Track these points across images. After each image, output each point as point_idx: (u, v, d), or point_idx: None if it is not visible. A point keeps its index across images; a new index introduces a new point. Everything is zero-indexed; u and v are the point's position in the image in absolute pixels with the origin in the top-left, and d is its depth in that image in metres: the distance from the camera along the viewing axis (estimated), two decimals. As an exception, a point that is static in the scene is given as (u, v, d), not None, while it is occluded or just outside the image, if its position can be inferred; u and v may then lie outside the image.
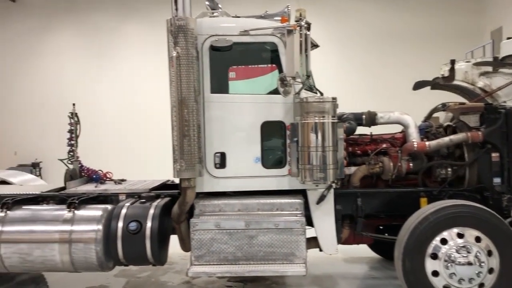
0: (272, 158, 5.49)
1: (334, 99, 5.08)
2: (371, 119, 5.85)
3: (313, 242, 5.48)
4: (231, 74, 6.28)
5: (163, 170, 8.47)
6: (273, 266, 5.05)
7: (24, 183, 7.48)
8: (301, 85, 5.16)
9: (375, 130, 6.00)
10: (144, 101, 15.35)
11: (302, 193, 5.42)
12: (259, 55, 5.92)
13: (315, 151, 4.97)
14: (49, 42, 16.22)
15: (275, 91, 5.40)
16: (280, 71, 5.43)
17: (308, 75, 5.24)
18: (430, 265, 4.84)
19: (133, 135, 15.36)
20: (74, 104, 6.89)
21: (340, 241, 5.58)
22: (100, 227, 5.30)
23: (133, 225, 5.26)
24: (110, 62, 15.93)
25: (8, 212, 5.42)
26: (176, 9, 5.08)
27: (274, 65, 5.91)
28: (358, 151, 5.86)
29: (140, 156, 14.90)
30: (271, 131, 5.42)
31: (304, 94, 5.28)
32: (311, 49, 5.39)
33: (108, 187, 6.26)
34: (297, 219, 5.12)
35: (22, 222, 5.37)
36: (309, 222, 5.36)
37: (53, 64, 16.12)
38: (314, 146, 4.96)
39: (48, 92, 15.94)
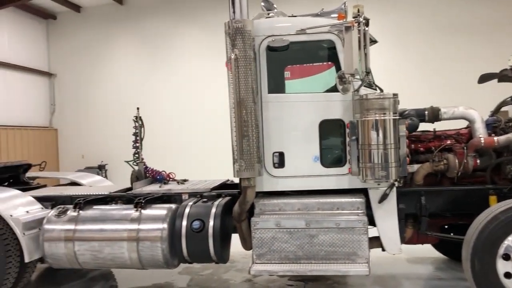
0: (331, 157, 5.44)
1: (395, 95, 4.97)
2: (434, 115, 5.66)
3: (375, 242, 5.39)
4: (287, 74, 6.29)
5: (222, 170, 8.67)
6: (335, 265, 5.01)
7: (93, 184, 7.91)
8: (360, 82, 5.09)
9: (439, 126, 5.79)
10: (203, 103, 15.72)
11: (363, 192, 5.35)
12: (316, 53, 5.88)
13: (376, 149, 4.88)
14: (112, 49, 16.99)
15: (333, 89, 5.37)
16: (338, 68, 5.38)
17: (368, 72, 5.16)
18: (502, 266, 4.61)
19: (194, 136, 15.77)
20: (138, 108, 7.18)
21: (404, 240, 5.44)
22: (165, 225, 5.49)
23: (196, 224, 5.41)
24: (169, 66, 16.43)
25: (80, 211, 5.75)
26: (234, 12, 5.17)
27: (330, 63, 5.87)
28: (421, 148, 5.68)
29: (200, 157, 15.26)
30: (330, 130, 5.38)
31: (364, 91, 5.20)
32: (369, 45, 5.30)
33: (172, 187, 6.47)
34: (358, 218, 5.05)
35: (93, 221, 5.67)
36: (371, 222, 5.27)
37: (116, 70, 16.87)
38: (375, 144, 4.87)
39: (112, 98, 16.71)
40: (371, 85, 5.74)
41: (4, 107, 14.83)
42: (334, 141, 5.45)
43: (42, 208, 6.02)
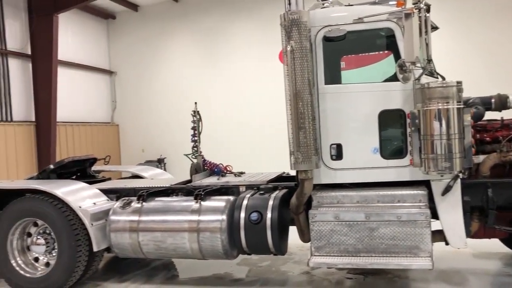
0: (391, 148, 5.32)
1: (459, 83, 4.76)
2: (501, 103, 5.37)
3: (438, 235, 5.22)
4: (344, 64, 6.19)
5: (277, 163, 8.70)
6: (397, 259, 4.90)
7: (154, 177, 8.19)
8: (421, 71, 4.92)
9: (507, 114, 5.49)
10: (259, 96, 15.80)
11: (425, 184, 5.18)
12: (374, 42, 5.75)
13: (439, 139, 4.71)
14: (169, 46, 17.44)
15: (392, 78, 5.25)
16: (397, 57, 5.23)
17: (429, 60, 4.97)
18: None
19: (250, 129, 15.90)
20: (196, 103, 7.33)
21: (469, 234, 5.22)
22: (224, 217, 5.59)
23: (254, 216, 5.47)
24: (224, 60, 16.63)
25: (143, 203, 5.97)
26: (289, 4, 5.13)
27: (388, 52, 5.71)
28: (487, 138, 5.41)
29: (256, 149, 15.39)
30: (390, 120, 5.25)
31: (425, 79, 5.02)
32: (431, 31, 5.10)
33: (229, 180, 6.58)
34: (421, 211, 4.90)
35: (156, 212, 5.88)
36: (434, 215, 5.10)
37: (174, 66, 17.31)
38: (438, 134, 4.70)
39: (169, 93, 17.18)
40: (432, 73, 5.53)
41: (69, 105, 15.62)
42: (394, 132, 5.31)
43: (107, 200, 6.31)
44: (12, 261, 6.06)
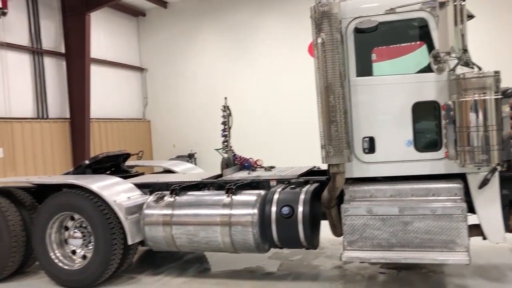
0: (425, 141, 5.21)
1: (496, 73, 4.61)
2: (542, 93, 5.17)
3: (475, 230, 5.09)
4: (375, 55, 6.09)
5: (308, 157, 8.66)
6: (432, 253, 4.82)
7: (186, 171, 8.29)
8: (456, 61, 4.79)
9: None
10: (288, 90, 15.79)
11: (460, 177, 5.06)
12: (406, 33, 5.64)
13: (475, 131, 4.58)
14: (198, 42, 17.57)
15: (425, 69, 5.15)
16: (430, 47, 5.12)
17: (465, 49, 4.83)
18: None
19: (279, 124, 15.92)
20: (226, 98, 7.37)
21: (508, 229, 5.07)
22: (255, 211, 5.61)
23: (286, 210, 5.47)
24: (253, 54, 16.65)
25: (176, 197, 6.06)
26: (319, -5, 5.08)
27: (421, 42, 5.58)
28: (527, 129, 5.23)
29: (286, 144, 15.38)
30: (424, 112, 5.15)
31: (460, 70, 4.88)
32: (466, 20, 4.96)
33: (260, 174, 6.60)
34: (456, 205, 4.79)
35: (188, 206, 5.95)
36: (470, 208, 4.97)
37: (203, 61, 17.43)
38: (475, 126, 4.58)
39: (199, 89, 17.33)
40: (468, 63, 5.36)
41: (101, 102, 15.96)
42: (428, 124, 5.21)
43: (141, 194, 6.43)
44: (51, 254, 6.26)
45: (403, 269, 6.09)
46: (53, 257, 6.25)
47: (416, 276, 5.91)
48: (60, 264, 6.24)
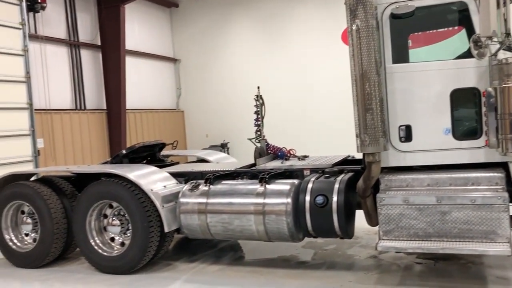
0: (464, 129, 5.07)
1: (541, 57, 4.42)
2: None
3: (517, 221, 4.93)
4: (412, 42, 5.95)
5: (342, 146, 8.58)
6: (471, 244, 4.70)
7: (219, 161, 8.37)
8: (498, 46, 4.61)
9: None
10: (321, 79, 15.67)
11: (502, 166, 4.90)
12: (445, 18, 5.49)
13: (519, 118, 4.41)
14: (230, 32, 17.59)
15: (465, 55, 5.00)
16: (470, 32, 4.95)
17: (508, 33, 4.64)
18: None
19: (312, 112, 15.84)
20: (258, 87, 7.36)
21: (552, 220, 4.89)
22: (289, 200, 5.62)
23: (320, 199, 5.45)
24: (286, 44, 16.55)
25: (211, 186, 6.13)
26: (354, -19, 4.98)
27: (459, 27, 5.41)
28: None
29: (320, 133, 15.30)
30: (463, 99, 5.00)
31: (503, 55, 4.70)
32: (509, 3, 4.77)
33: (293, 163, 6.58)
34: (498, 194, 4.65)
35: (222, 195, 6.02)
36: (512, 198, 4.82)
37: (235, 51, 17.46)
38: (518, 113, 4.40)
39: (231, 79, 17.38)
40: (511, 48, 5.16)
41: (136, 92, 16.26)
42: (468, 111, 5.06)
43: (177, 183, 6.53)
44: (91, 241, 6.46)
45: (440, 260, 5.98)
46: (92, 243, 6.45)
47: (454, 267, 5.79)
48: (100, 251, 6.43)
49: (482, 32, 4.43)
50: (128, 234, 6.30)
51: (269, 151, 7.29)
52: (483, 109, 4.76)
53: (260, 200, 5.75)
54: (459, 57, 5.17)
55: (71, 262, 7.04)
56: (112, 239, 6.54)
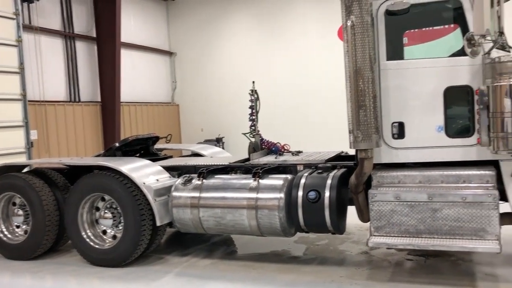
0: (457, 127, 5.08)
1: (534, 56, 4.44)
2: None
3: (507, 218, 4.99)
4: (407, 39, 5.95)
5: (335, 142, 8.60)
6: (461, 241, 4.74)
7: (214, 155, 8.36)
8: (491, 44, 4.63)
9: None
10: (316, 75, 15.67)
11: (493, 164, 4.93)
12: (440, 15, 5.48)
13: (510, 117, 4.44)
14: (227, 26, 17.54)
15: (458, 53, 5.02)
16: (464, 30, 4.96)
17: (501, 32, 4.66)
18: None
19: (307, 108, 15.86)
20: (253, 82, 7.35)
21: (541, 218, 4.94)
22: (282, 195, 5.63)
23: (312, 194, 5.47)
24: (283, 39, 16.54)
25: (204, 180, 6.13)
26: (350, -23, 4.97)
27: (454, 25, 5.42)
28: None
29: (314, 128, 15.33)
30: (456, 97, 5.01)
31: (495, 53, 4.72)
32: (503, 1, 4.78)
33: (287, 158, 6.58)
34: (488, 192, 4.69)
35: (215, 189, 6.02)
36: (503, 196, 4.85)
37: (232, 46, 17.42)
38: (510, 112, 4.44)
39: (228, 73, 17.36)
40: (504, 47, 5.18)
41: (131, 85, 16.20)
42: (461, 109, 5.08)
43: (170, 177, 6.52)
44: (83, 233, 6.45)
45: (431, 256, 6.02)
46: (84, 236, 6.44)
47: (444, 263, 5.84)
48: (91, 243, 6.42)
49: (475, 31, 4.44)
50: (120, 227, 6.30)
51: (263, 146, 7.28)
52: (476, 107, 4.79)
53: (253, 195, 5.75)
54: (453, 55, 5.18)
55: (62, 254, 7.04)
56: (104, 232, 6.53)
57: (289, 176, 5.86)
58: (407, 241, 4.93)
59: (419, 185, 5.04)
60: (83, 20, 14.61)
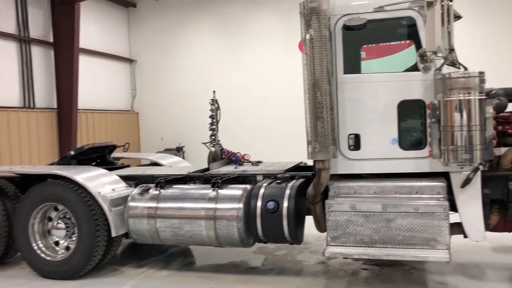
0: (410, 139, 5.25)
1: (481, 73, 4.66)
2: (525, 94, 5.24)
3: (456, 228, 5.15)
4: (364, 53, 6.11)
5: (295, 153, 8.68)
6: (413, 250, 4.87)
7: (172, 164, 8.27)
8: (442, 60, 4.83)
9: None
10: (277, 86, 15.85)
11: (444, 175, 5.11)
12: (395, 31, 5.67)
13: (459, 131, 4.63)
14: (189, 35, 17.46)
15: (412, 68, 5.18)
16: (418, 46, 5.15)
17: (451, 49, 4.87)
18: None
19: (267, 119, 15.97)
20: (214, 92, 7.35)
21: (488, 227, 5.14)
22: (241, 205, 5.62)
23: (271, 204, 5.49)
24: (244, 49, 16.64)
25: (161, 190, 6.04)
26: (309, -8, 5.07)
27: (409, 41, 5.61)
28: (510, 130, 5.29)
29: (274, 139, 15.43)
30: (409, 111, 5.18)
31: (446, 69, 4.93)
32: (453, 20, 5.00)
33: (246, 169, 6.60)
34: (439, 203, 4.85)
35: (173, 199, 5.94)
36: (453, 207, 5.03)
37: (193, 54, 17.35)
38: (459, 126, 4.62)
39: (189, 82, 17.24)
40: (454, 63, 5.42)
41: (89, 92, 15.79)
42: (414, 122, 5.25)
43: (126, 186, 6.40)
44: (33, 244, 6.21)
45: (386, 266, 6.16)
46: (35, 247, 6.21)
47: (398, 272, 5.98)
48: (43, 255, 6.20)
49: (427, 47, 4.61)
50: (74, 238, 6.12)
51: (223, 156, 7.28)
52: (428, 120, 4.96)
53: (211, 205, 5.72)
54: (407, 70, 5.35)
55: (11, 267, 6.75)
56: (57, 243, 6.32)
57: (248, 186, 5.87)
58: (362, 250, 5.03)
59: (374, 195, 5.16)
60: (39, 24, 14.19)
